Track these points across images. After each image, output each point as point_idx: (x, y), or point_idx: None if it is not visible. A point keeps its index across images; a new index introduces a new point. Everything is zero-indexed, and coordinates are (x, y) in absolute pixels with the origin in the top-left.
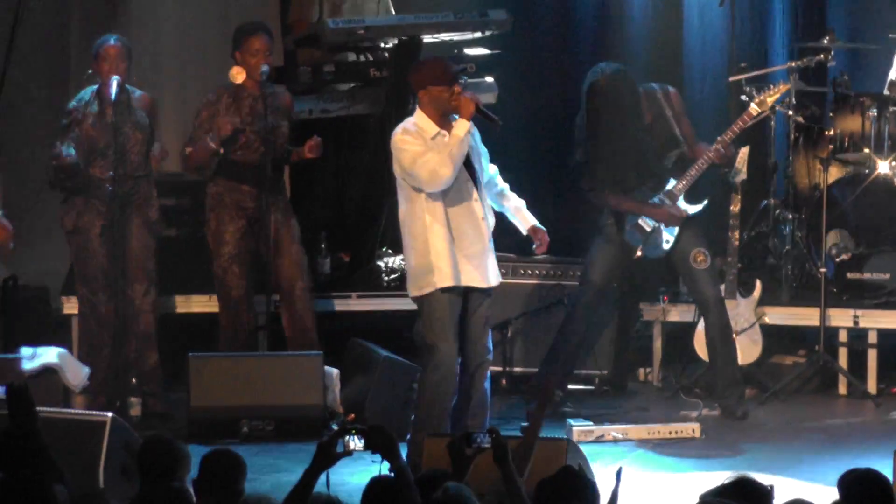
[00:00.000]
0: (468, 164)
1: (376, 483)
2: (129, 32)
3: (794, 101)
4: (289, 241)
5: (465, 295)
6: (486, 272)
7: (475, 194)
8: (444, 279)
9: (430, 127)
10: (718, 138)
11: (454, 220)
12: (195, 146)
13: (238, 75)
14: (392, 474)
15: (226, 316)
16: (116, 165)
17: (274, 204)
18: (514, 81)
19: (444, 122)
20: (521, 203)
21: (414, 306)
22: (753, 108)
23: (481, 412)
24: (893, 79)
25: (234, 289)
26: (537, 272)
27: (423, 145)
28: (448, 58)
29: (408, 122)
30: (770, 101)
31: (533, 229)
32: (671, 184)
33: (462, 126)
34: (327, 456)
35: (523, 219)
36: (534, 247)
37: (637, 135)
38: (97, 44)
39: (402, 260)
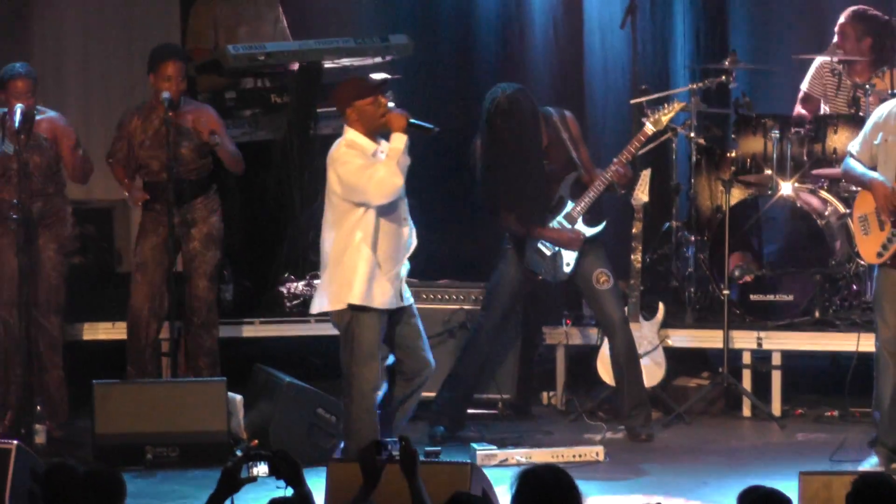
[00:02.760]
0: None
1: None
2: (31, 56)
3: (695, 122)
4: (198, 274)
5: (390, 314)
6: (399, 293)
7: (405, 215)
8: (356, 297)
9: (368, 144)
10: (615, 159)
11: (382, 241)
12: (116, 164)
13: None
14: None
15: (127, 325)
16: (20, 191)
17: (195, 230)
18: (416, 105)
19: (375, 139)
20: None
21: (318, 331)
22: (648, 127)
23: (401, 421)
24: (804, 92)
25: (132, 296)
26: (440, 296)
27: (366, 159)
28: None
29: (344, 140)
30: (665, 119)
31: None
32: (569, 207)
33: (400, 139)
34: (232, 482)
35: None
36: None
37: (536, 157)
38: (2, 74)
39: (316, 281)
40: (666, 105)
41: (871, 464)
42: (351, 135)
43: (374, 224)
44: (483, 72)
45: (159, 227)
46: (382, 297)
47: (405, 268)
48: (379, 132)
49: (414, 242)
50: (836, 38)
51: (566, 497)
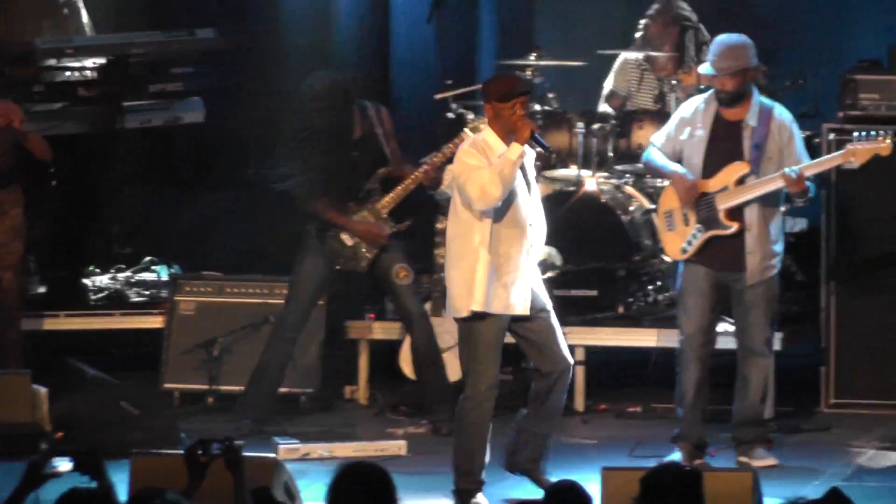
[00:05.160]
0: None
1: (73, 493)
2: None
3: None
4: (3, 267)
5: (514, 317)
6: (523, 297)
7: (531, 220)
8: (477, 304)
9: (498, 145)
10: (426, 160)
11: (502, 244)
12: None
13: None
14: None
15: None
16: None
17: None
18: (224, 98)
19: (509, 141)
20: None
21: (123, 324)
22: (466, 132)
23: (549, 419)
24: (609, 89)
25: None
26: (244, 290)
27: (481, 161)
28: (521, 76)
29: (477, 137)
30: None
31: None
32: (377, 201)
33: (515, 149)
34: (36, 476)
35: None
36: None
37: (349, 147)
38: None
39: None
40: None
41: (674, 459)
42: (485, 133)
43: (491, 227)
44: (290, 64)
45: None
46: (500, 303)
47: (533, 271)
48: (512, 135)
49: (541, 245)
50: (642, 32)
51: (383, 494)
